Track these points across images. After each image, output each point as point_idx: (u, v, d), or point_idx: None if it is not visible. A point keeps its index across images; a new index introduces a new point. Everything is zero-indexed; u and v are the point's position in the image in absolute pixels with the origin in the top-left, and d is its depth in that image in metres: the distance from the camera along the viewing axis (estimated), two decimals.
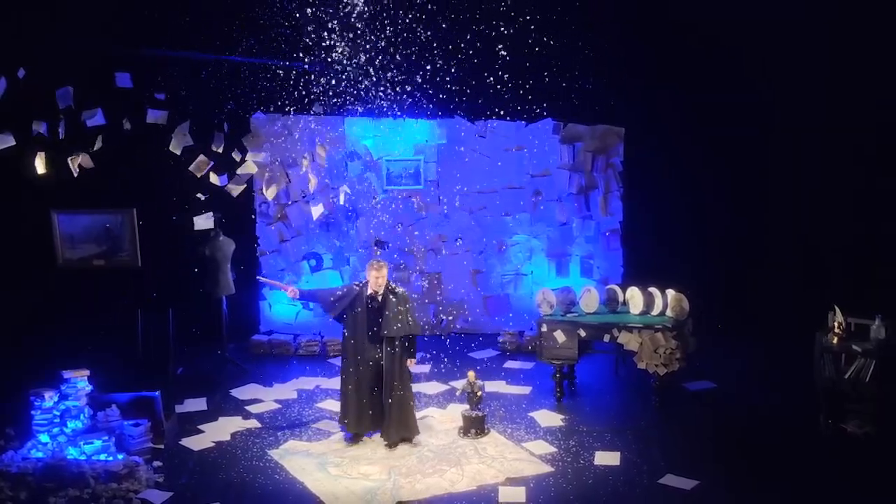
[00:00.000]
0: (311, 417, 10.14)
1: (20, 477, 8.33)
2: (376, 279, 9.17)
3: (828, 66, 11.40)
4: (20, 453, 8.79)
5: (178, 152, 10.48)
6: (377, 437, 9.39)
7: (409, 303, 9.36)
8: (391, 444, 9.24)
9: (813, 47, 11.30)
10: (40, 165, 10.09)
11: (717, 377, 11.03)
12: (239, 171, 11.07)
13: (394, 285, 9.38)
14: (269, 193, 11.89)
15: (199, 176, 10.83)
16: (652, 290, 10.42)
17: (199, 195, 11.18)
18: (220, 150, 10.87)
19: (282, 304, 12.95)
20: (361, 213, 12.79)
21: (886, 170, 11.57)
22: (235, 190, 11.21)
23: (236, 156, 11.10)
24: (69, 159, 10.06)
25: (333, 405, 10.17)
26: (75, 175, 10.14)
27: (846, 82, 11.37)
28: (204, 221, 11.31)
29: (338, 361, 11.73)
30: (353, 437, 9.35)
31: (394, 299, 9.20)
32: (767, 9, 11.11)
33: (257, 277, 11.12)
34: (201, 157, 10.69)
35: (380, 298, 9.21)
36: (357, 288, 9.32)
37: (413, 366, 9.52)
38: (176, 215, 11.66)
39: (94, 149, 10.22)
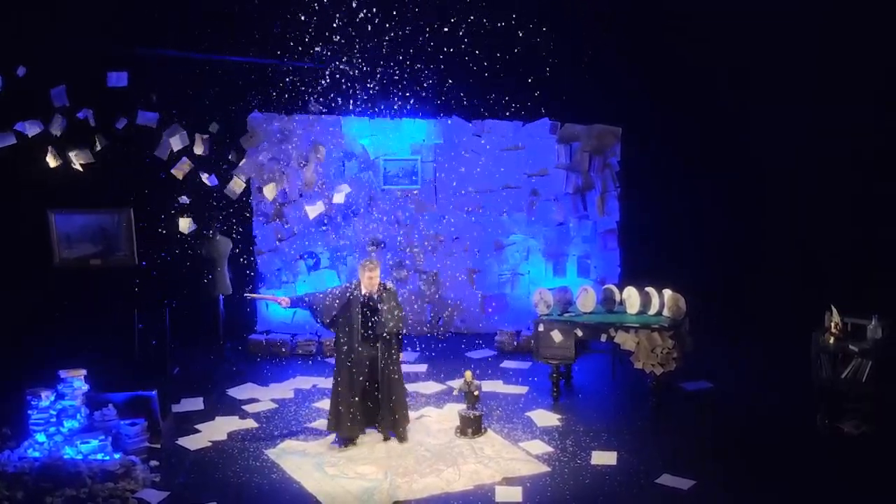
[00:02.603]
0: (307, 417, 10.13)
1: (17, 476, 8.32)
2: (370, 279, 9.16)
3: (824, 70, 11.40)
4: (17, 453, 8.79)
5: (164, 158, 10.51)
6: (374, 436, 9.37)
7: (397, 299, 9.38)
8: (401, 440, 9.27)
9: (809, 50, 11.30)
10: (52, 160, 10.14)
11: (715, 377, 11.04)
12: (227, 189, 11.12)
13: (384, 282, 9.36)
14: (268, 193, 11.89)
15: (180, 177, 10.86)
16: (649, 289, 10.42)
17: (182, 198, 11.19)
18: (204, 153, 10.90)
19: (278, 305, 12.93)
20: (358, 213, 12.79)
21: (883, 173, 11.58)
22: (237, 187, 11.23)
23: (233, 157, 11.12)
24: (71, 154, 10.09)
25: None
26: (81, 169, 10.16)
27: (842, 86, 11.38)
28: (186, 223, 11.33)
29: (334, 361, 11.79)
30: (346, 441, 9.32)
31: (387, 297, 9.21)
32: (763, 11, 11.12)
33: (245, 296, 11.00)
34: (184, 160, 10.71)
35: (375, 297, 9.21)
36: (351, 288, 9.30)
37: (399, 358, 9.53)
38: (176, 216, 11.68)
39: (97, 148, 10.24)
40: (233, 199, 11.68)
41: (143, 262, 11.94)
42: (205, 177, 11.07)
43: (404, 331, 9.45)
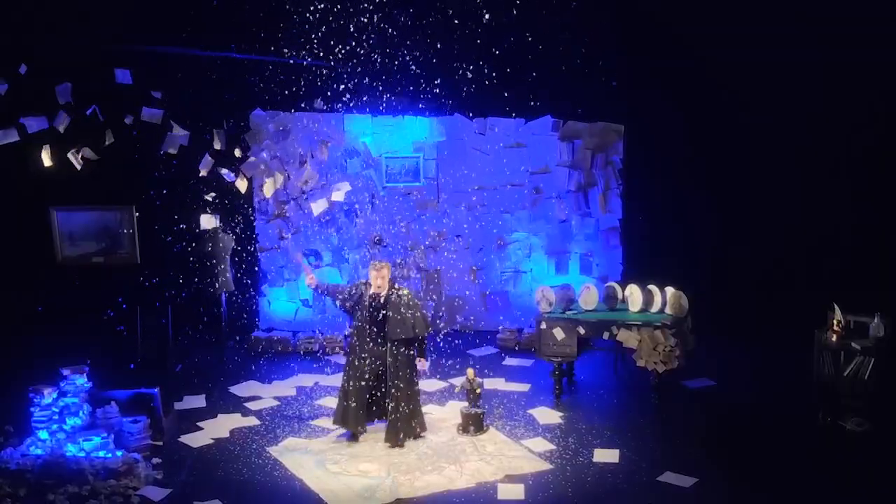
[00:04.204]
0: (310, 415, 10.13)
1: (19, 474, 8.32)
2: (377, 279, 9.15)
3: (827, 68, 11.39)
4: (19, 450, 8.77)
5: (174, 151, 10.52)
6: (377, 434, 9.37)
7: (417, 305, 9.24)
8: (396, 444, 9.19)
9: (811, 48, 11.29)
10: (47, 158, 10.12)
11: (717, 375, 11.04)
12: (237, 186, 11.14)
13: (399, 286, 9.31)
14: (267, 191, 11.89)
15: (203, 174, 10.85)
16: (651, 287, 10.42)
17: (208, 196, 11.20)
18: (220, 148, 10.89)
19: (281, 302, 12.95)
20: (361, 211, 12.79)
21: (884, 171, 11.58)
22: (242, 185, 11.24)
23: (237, 153, 11.13)
24: (70, 153, 10.07)
25: (333, 402, 10.14)
26: (79, 168, 10.16)
27: (844, 85, 11.37)
28: (208, 220, 11.35)
29: (336, 359, 11.84)
30: (352, 436, 9.33)
31: (398, 301, 9.14)
32: (764, 10, 11.13)
33: (296, 252, 11.21)
34: (207, 158, 10.71)
35: (382, 299, 9.18)
36: (362, 287, 9.31)
37: (425, 367, 9.46)
38: (178, 213, 11.69)
39: (105, 144, 10.26)
40: (233, 196, 11.69)
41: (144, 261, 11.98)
42: (224, 172, 11.10)
43: (426, 334, 9.35)
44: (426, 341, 9.42)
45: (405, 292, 9.25)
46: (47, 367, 9.40)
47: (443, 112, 12.41)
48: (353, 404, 9.23)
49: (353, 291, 9.33)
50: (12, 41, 10.16)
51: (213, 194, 11.29)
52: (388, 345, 9.16)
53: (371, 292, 9.21)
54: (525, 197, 12.95)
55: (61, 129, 10.08)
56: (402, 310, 9.11)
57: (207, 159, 10.78)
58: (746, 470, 8.64)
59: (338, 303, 9.45)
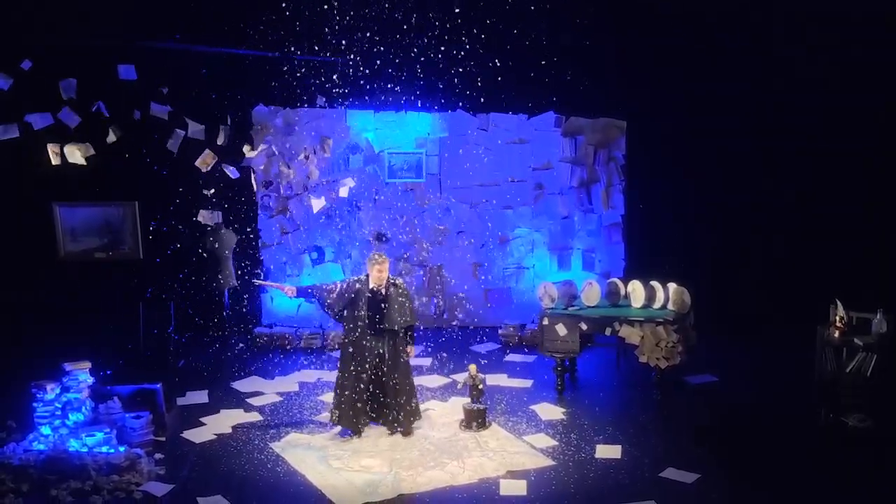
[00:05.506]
0: (312, 410, 10.14)
1: (22, 469, 8.34)
2: (379, 273, 9.16)
3: (830, 64, 11.37)
4: (22, 445, 8.80)
5: (174, 150, 10.54)
6: (379, 429, 9.39)
7: (408, 295, 9.39)
8: (406, 433, 9.28)
9: (814, 44, 11.27)
10: (54, 157, 10.13)
11: (719, 371, 11.03)
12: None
13: (393, 278, 9.38)
14: (289, 173, 11.88)
15: (204, 170, 10.84)
16: (653, 283, 10.42)
17: (206, 192, 11.19)
18: (224, 143, 10.89)
19: (283, 298, 12.92)
20: (363, 206, 12.79)
21: (885, 169, 11.56)
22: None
23: (241, 148, 11.15)
24: (75, 147, 10.10)
25: None
26: (78, 162, 10.17)
27: (846, 81, 11.35)
28: (207, 217, 11.34)
29: (339, 354, 11.80)
30: (353, 432, 9.34)
31: (395, 293, 9.21)
32: (762, 10, 11.12)
33: (253, 281, 11.15)
34: (207, 152, 10.69)
35: (383, 292, 9.21)
36: (358, 283, 9.29)
37: (412, 354, 9.53)
38: (181, 209, 11.69)
39: (109, 141, 10.26)
40: (235, 193, 11.69)
41: (146, 257, 11.98)
42: (228, 169, 11.09)
43: (428, 328, 9.38)
44: (413, 330, 9.49)
45: (399, 282, 9.36)
46: (49, 363, 9.41)
47: (445, 108, 12.40)
48: (352, 402, 9.24)
49: (346, 288, 9.28)
50: (16, 38, 10.15)
51: (211, 190, 11.28)
52: (387, 337, 9.19)
53: (371, 287, 9.22)
54: (527, 193, 12.94)
55: (71, 125, 10.09)
56: (400, 300, 9.21)
57: (206, 154, 10.77)
58: (748, 466, 8.64)
59: (325, 304, 9.31)
